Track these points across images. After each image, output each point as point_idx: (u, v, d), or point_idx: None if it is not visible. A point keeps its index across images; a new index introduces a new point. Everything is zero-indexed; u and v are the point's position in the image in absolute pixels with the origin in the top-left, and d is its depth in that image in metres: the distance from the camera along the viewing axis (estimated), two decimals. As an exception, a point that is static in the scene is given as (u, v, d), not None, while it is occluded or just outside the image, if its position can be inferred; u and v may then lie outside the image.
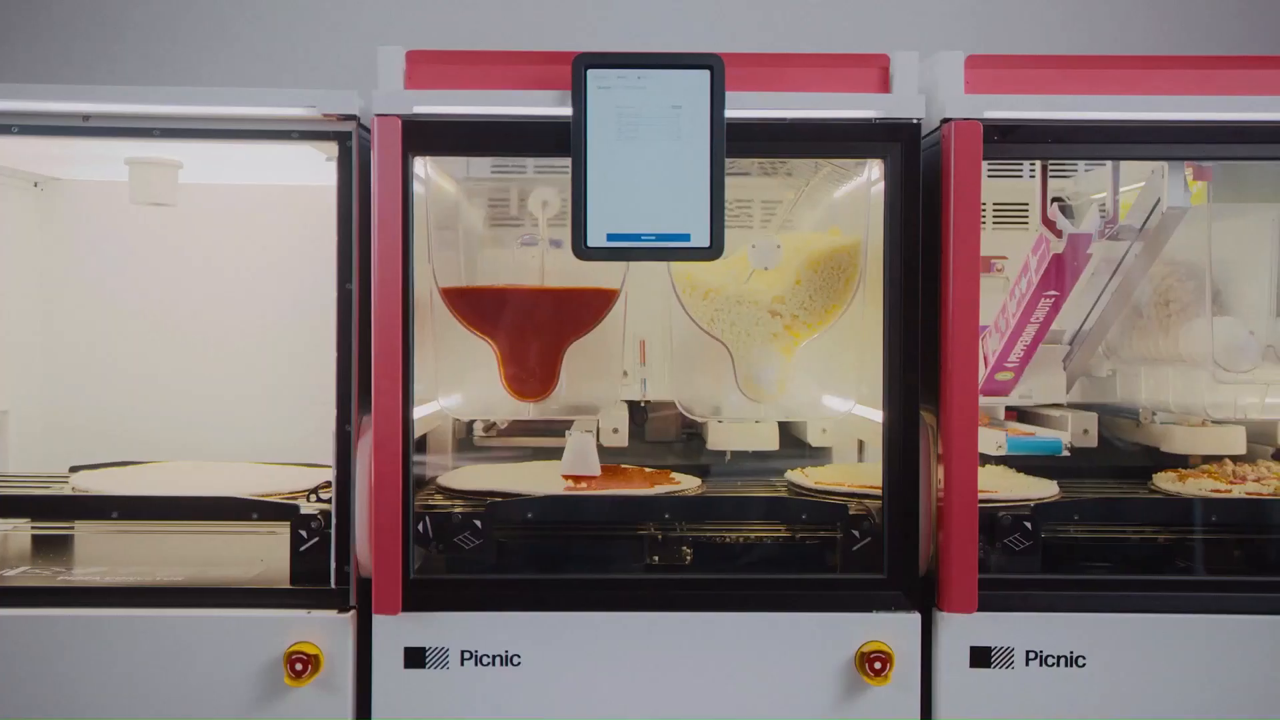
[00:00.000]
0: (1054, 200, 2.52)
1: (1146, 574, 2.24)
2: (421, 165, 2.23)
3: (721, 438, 2.55)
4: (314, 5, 3.16)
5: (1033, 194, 2.80)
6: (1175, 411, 2.51)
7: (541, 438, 2.73)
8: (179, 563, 2.31)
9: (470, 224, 2.73)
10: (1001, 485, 2.37)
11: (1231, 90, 2.12)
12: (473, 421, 2.78)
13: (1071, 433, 2.60)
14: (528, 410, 2.31)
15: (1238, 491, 2.41)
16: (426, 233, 2.23)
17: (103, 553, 2.43)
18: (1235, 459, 2.55)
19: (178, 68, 3.10)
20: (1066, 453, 2.32)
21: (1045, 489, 2.37)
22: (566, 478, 2.40)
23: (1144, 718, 2.12)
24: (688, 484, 2.40)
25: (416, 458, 2.62)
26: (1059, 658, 2.12)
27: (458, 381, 2.33)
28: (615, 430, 2.54)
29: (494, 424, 2.76)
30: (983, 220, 2.85)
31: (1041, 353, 2.59)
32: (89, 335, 2.86)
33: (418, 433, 2.52)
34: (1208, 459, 2.57)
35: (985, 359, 2.56)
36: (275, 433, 2.86)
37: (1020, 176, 2.87)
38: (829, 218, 2.57)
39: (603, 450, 2.58)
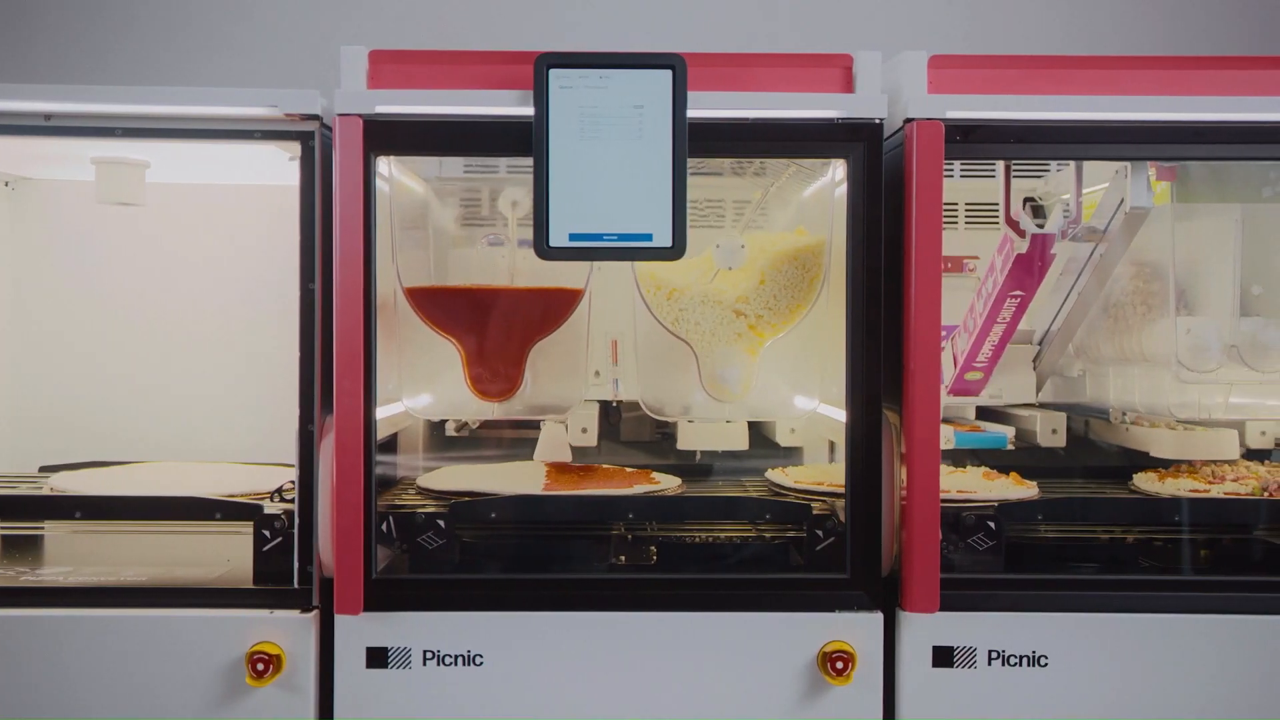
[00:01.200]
0: (1026, 200, 2.53)
1: (1113, 573, 2.25)
2: (385, 165, 2.23)
3: (691, 438, 2.55)
4: (284, 4, 3.16)
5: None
6: (1142, 412, 2.51)
7: (522, 429, 2.73)
8: (149, 563, 2.31)
9: (441, 223, 2.73)
10: (980, 487, 2.37)
11: (1194, 91, 2.12)
12: (444, 421, 2.79)
13: (1040, 432, 2.61)
14: (492, 410, 2.31)
15: (1216, 491, 2.42)
16: (390, 232, 2.22)
17: (74, 553, 2.44)
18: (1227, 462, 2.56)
19: (161, 67, 3.11)
20: (1011, 447, 2.32)
21: (1025, 490, 2.37)
22: (549, 470, 2.43)
23: (1106, 718, 2.12)
24: (668, 484, 2.40)
25: (387, 458, 2.65)
26: (1021, 657, 2.13)
27: (423, 381, 2.33)
28: (584, 430, 2.54)
29: (466, 423, 2.76)
30: (955, 220, 2.90)
31: (1011, 353, 2.60)
32: (59, 334, 2.86)
33: (387, 432, 2.53)
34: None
35: (955, 359, 2.57)
36: (249, 432, 2.86)
37: (994, 176, 2.87)
38: (799, 217, 2.58)
39: (573, 451, 2.59)
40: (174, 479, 2.52)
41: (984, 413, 2.75)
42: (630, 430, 2.91)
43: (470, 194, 2.77)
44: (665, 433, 2.83)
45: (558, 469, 2.52)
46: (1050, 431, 2.59)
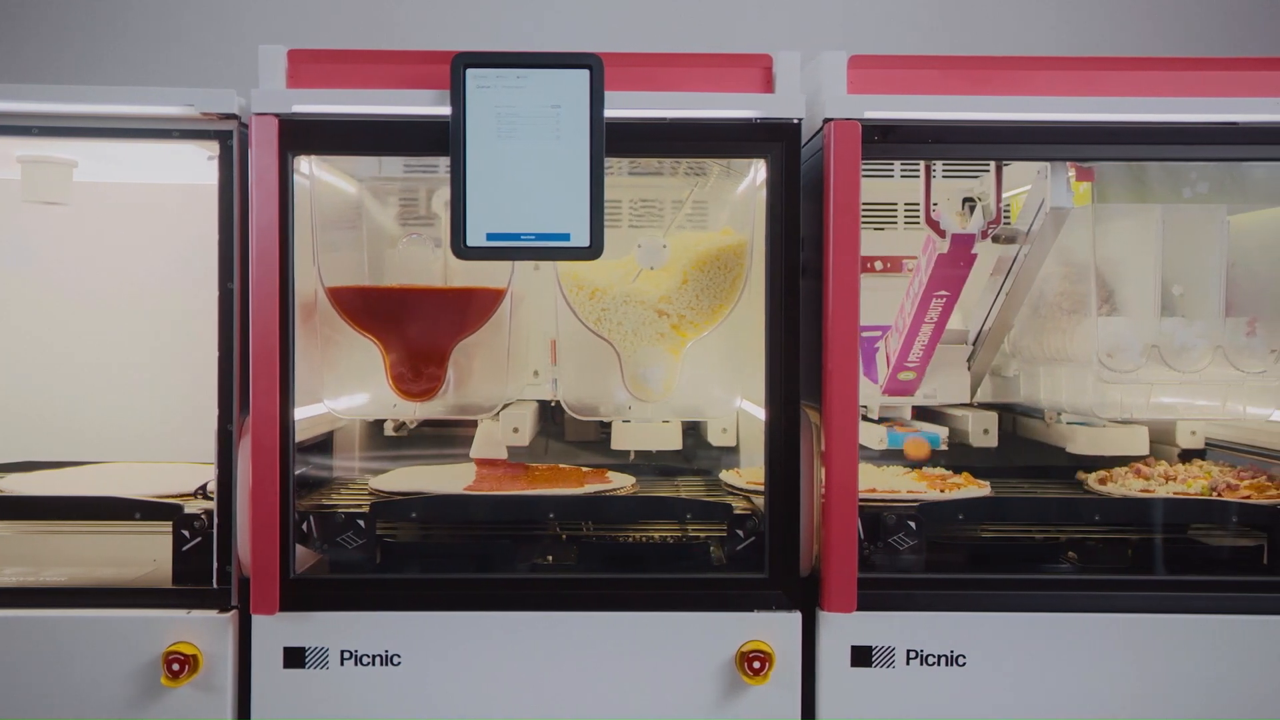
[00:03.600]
0: (965, 200, 2.54)
1: (1032, 573, 2.25)
2: (307, 164, 2.22)
3: (626, 437, 2.55)
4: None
5: (945, 193, 2.82)
6: (1069, 411, 2.52)
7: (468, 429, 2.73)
8: (87, 563, 2.30)
9: (380, 223, 2.72)
10: (931, 488, 2.38)
11: (1113, 91, 2.13)
12: (383, 421, 2.79)
13: (972, 433, 2.61)
14: (414, 410, 2.31)
15: (1161, 491, 2.43)
16: (312, 232, 2.22)
17: (15, 553, 2.42)
18: (1139, 459, 2.57)
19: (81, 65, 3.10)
20: (943, 447, 2.33)
21: (978, 490, 2.38)
22: (480, 466, 2.43)
23: (1023, 717, 2.12)
24: (622, 483, 2.41)
25: (322, 458, 2.65)
26: (939, 657, 2.13)
27: (346, 381, 2.32)
28: (516, 430, 2.53)
29: (404, 424, 2.76)
30: (895, 220, 2.91)
31: (946, 353, 2.60)
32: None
33: (318, 432, 2.53)
34: (1115, 461, 2.58)
35: (888, 359, 2.57)
36: (201, 433, 2.84)
37: (934, 176, 2.88)
38: (731, 218, 2.58)
39: (524, 450, 2.59)
40: (121, 480, 2.51)
41: (924, 414, 2.76)
42: (575, 430, 2.91)
43: (409, 194, 2.77)
44: (609, 433, 2.82)
45: (512, 469, 2.52)
46: (982, 431, 2.59)
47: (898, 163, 2.86)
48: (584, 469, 2.58)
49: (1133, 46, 3.25)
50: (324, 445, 2.67)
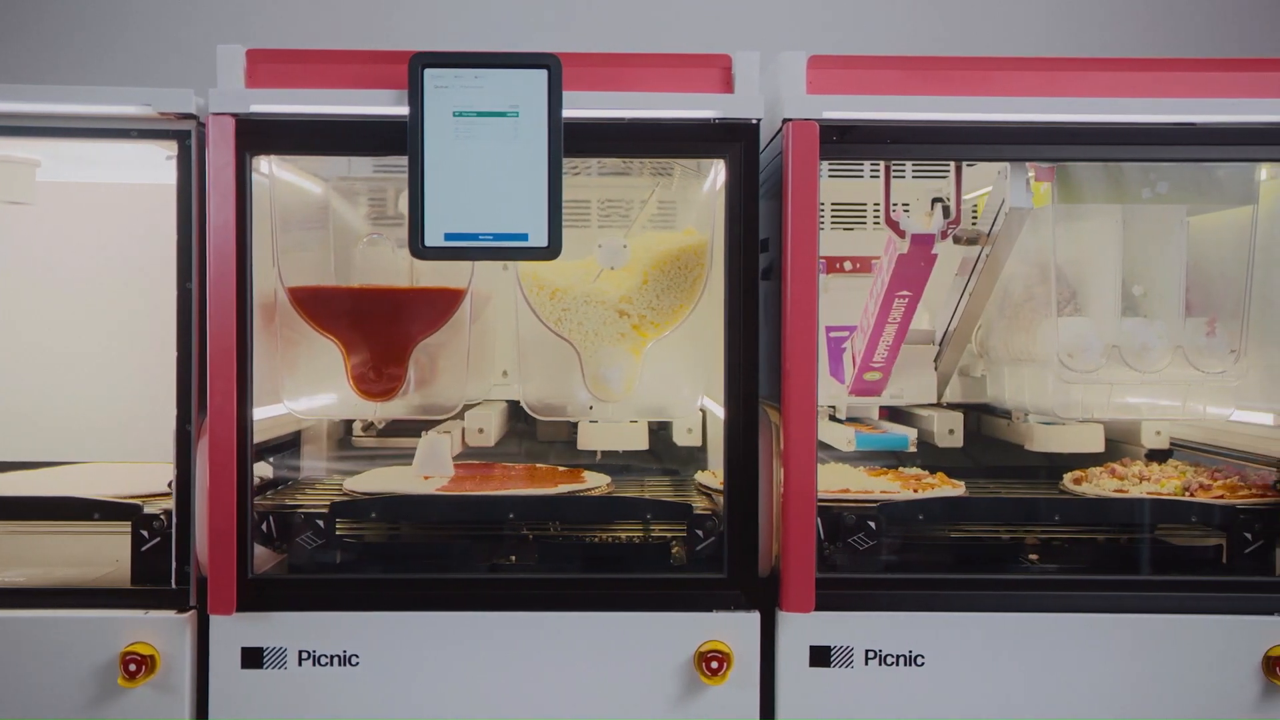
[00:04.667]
0: (935, 200, 2.53)
1: (992, 573, 2.25)
2: (267, 164, 2.22)
3: (592, 438, 2.55)
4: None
5: (916, 194, 2.83)
6: (1032, 411, 2.52)
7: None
8: (53, 563, 2.30)
9: (348, 223, 2.72)
10: (905, 488, 2.38)
11: (1072, 92, 2.13)
12: (352, 422, 2.78)
13: (938, 433, 2.61)
14: (374, 410, 2.30)
15: (1135, 491, 2.43)
16: (272, 232, 2.22)
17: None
18: (1095, 456, 2.57)
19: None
20: (912, 449, 2.33)
21: (953, 490, 2.39)
22: (457, 466, 2.43)
23: (981, 717, 2.13)
24: (597, 482, 2.41)
25: (289, 459, 2.65)
26: (898, 657, 2.13)
27: (307, 382, 2.32)
28: (481, 430, 2.53)
29: (371, 424, 2.76)
30: (864, 220, 2.91)
31: (912, 353, 2.60)
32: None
33: (282, 432, 2.53)
34: (1076, 459, 2.59)
35: (854, 359, 2.58)
36: (160, 432, 2.84)
37: (903, 177, 2.89)
38: (697, 217, 2.58)
39: (484, 451, 2.58)
40: (95, 480, 2.50)
41: (893, 414, 2.76)
42: (548, 430, 2.90)
43: (378, 194, 2.76)
44: (581, 434, 2.82)
45: (488, 469, 2.52)
46: (948, 431, 2.60)
47: (867, 163, 2.87)
48: (560, 469, 2.58)
49: (1097, 47, 3.26)
50: (293, 445, 2.67)
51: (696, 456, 2.67)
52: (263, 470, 2.46)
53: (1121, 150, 2.13)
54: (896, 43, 3.33)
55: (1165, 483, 2.44)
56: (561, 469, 2.58)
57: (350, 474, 2.55)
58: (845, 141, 2.12)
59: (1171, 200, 2.28)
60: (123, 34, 3.23)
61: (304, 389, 2.31)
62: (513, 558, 2.30)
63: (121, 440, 2.79)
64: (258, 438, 2.22)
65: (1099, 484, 2.46)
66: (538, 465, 2.65)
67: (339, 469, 2.75)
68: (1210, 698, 2.11)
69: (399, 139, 2.05)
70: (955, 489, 2.40)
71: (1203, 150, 2.13)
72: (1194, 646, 2.12)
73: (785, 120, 2.09)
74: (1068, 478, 2.52)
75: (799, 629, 2.12)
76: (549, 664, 2.12)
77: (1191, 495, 2.34)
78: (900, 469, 2.61)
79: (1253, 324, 2.28)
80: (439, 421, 2.59)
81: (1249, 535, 2.21)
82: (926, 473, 2.55)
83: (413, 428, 2.74)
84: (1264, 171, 2.26)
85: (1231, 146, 2.12)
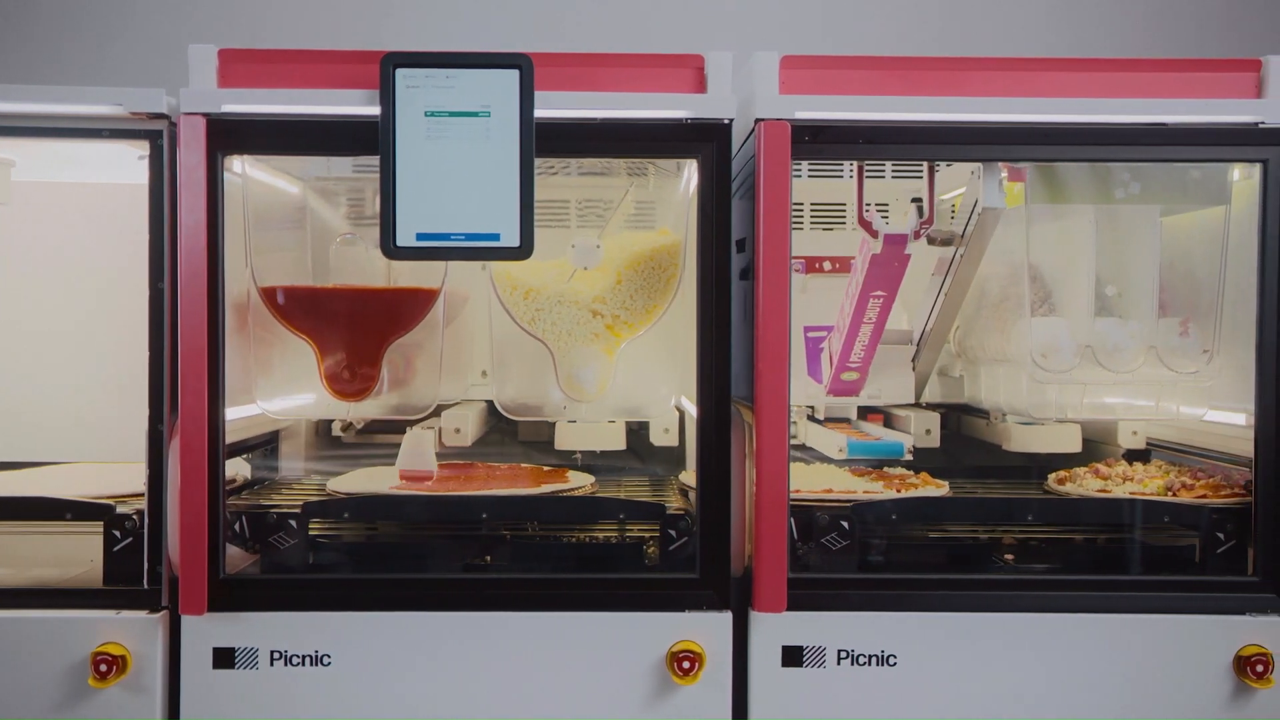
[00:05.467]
0: (914, 200, 2.54)
1: (964, 573, 2.25)
2: (240, 164, 2.22)
3: (569, 438, 2.55)
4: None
5: (895, 194, 2.83)
6: (1007, 410, 2.52)
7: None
8: (22, 564, 2.29)
9: (326, 222, 2.72)
10: (888, 488, 2.38)
11: (1044, 93, 2.13)
12: (331, 422, 2.78)
13: (915, 433, 2.61)
14: (347, 410, 2.30)
15: (1118, 491, 2.43)
16: (245, 232, 2.21)
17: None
18: (1069, 456, 2.57)
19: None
20: (908, 456, 2.33)
21: (936, 490, 2.39)
22: (441, 466, 2.40)
23: (953, 717, 2.13)
24: (581, 482, 2.40)
25: (268, 460, 2.64)
26: (870, 657, 2.13)
27: (280, 382, 2.32)
28: (457, 430, 2.53)
29: (351, 424, 2.75)
30: (844, 220, 2.91)
31: (890, 353, 2.60)
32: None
33: (261, 431, 2.52)
34: (1053, 459, 2.59)
35: (831, 359, 2.58)
36: (128, 433, 2.83)
37: (883, 177, 2.89)
38: (672, 218, 2.58)
39: (464, 451, 2.58)
40: (74, 480, 2.50)
41: (887, 420, 2.76)
42: (529, 430, 2.90)
43: (357, 194, 2.76)
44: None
45: (471, 469, 2.52)
46: (924, 432, 2.60)
47: (847, 163, 2.87)
48: (545, 469, 2.58)
49: (1072, 48, 3.27)
50: (271, 445, 2.67)
51: (679, 456, 2.67)
52: (242, 470, 2.47)
53: (1094, 150, 2.14)
54: (880, 44, 3.34)
55: (1149, 483, 2.45)
56: (546, 469, 2.58)
57: (329, 473, 2.55)
58: (818, 141, 2.12)
59: (1145, 201, 2.28)
60: (97, 33, 3.23)
61: (277, 389, 2.31)
62: (487, 558, 2.30)
63: (98, 440, 2.78)
64: (233, 438, 2.22)
65: (1083, 484, 2.46)
66: (522, 465, 2.65)
67: (318, 469, 2.74)
68: (1182, 697, 2.11)
69: (371, 139, 2.05)
70: (939, 489, 2.40)
71: (1175, 150, 2.14)
72: (1166, 646, 2.13)
73: (758, 120, 2.09)
74: (1052, 478, 2.53)
75: (771, 629, 2.12)
76: (521, 664, 2.12)
77: (1174, 495, 2.34)
78: (885, 469, 2.61)
79: (1225, 324, 2.28)
80: (414, 421, 2.59)
81: (1221, 535, 2.21)
82: (911, 473, 2.55)
83: (396, 425, 2.75)
84: (1236, 172, 2.26)
85: (1203, 147, 2.13)
